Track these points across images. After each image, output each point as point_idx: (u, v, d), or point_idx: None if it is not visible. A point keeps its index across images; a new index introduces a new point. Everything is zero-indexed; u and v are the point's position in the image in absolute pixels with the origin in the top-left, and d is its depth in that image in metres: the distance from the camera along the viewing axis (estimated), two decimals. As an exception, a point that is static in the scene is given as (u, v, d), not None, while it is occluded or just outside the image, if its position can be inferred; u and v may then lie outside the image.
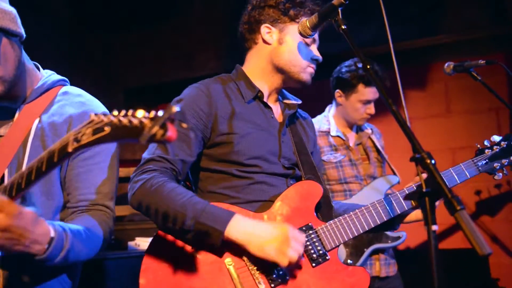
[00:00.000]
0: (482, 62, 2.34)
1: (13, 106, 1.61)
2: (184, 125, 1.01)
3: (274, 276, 1.65)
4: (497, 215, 4.00)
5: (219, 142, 1.77)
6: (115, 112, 1.07)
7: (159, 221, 1.65)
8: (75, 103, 1.65)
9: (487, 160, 1.86)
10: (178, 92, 1.87)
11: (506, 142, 1.89)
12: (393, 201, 1.78)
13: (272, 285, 1.64)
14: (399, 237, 2.85)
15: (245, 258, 1.65)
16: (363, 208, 1.78)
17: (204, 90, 1.80)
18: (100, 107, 1.69)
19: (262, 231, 1.59)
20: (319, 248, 1.73)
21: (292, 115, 1.98)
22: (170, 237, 1.68)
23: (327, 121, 3.07)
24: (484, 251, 1.02)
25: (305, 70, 1.88)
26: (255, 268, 1.65)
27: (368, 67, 1.44)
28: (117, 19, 4.76)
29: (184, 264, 1.64)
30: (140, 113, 1.02)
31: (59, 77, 1.72)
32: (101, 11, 4.68)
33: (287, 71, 1.87)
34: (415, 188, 1.78)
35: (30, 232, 1.29)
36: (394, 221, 1.83)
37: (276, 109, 1.96)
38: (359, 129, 3.12)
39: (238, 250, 1.62)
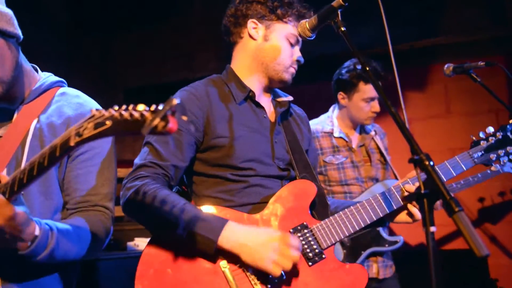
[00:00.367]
0: (481, 63, 2.34)
1: (11, 107, 1.62)
2: (185, 117, 1.02)
3: (270, 277, 1.64)
4: (496, 216, 4.01)
5: (212, 145, 1.77)
6: (116, 107, 1.09)
7: (152, 229, 1.67)
8: (73, 104, 1.65)
9: (482, 152, 1.85)
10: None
11: (501, 133, 1.87)
12: (388, 197, 1.77)
13: (269, 286, 1.64)
14: (396, 242, 2.85)
15: (240, 261, 1.63)
16: (358, 204, 1.77)
17: (195, 93, 1.80)
18: (97, 108, 1.70)
19: (255, 240, 1.57)
20: (315, 247, 1.72)
21: (285, 112, 1.98)
22: (164, 241, 1.67)
23: (330, 121, 3.06)
24: (482, 253, 1.02)
25: (287, 70, 1.88)
26: (251, 270, 1.64)
27: (368, 68, 1.44)
28: (116, 20, 4.77)
29: (180, 267, 1.63)
30: (141, 107, 1.04)
31: (57, 78, 1.73)
32: (100, 12, 4.69)
33: (271, 68, 1.87)
34: (410, 183, 1.78)
35: (20, 231, 1.33)
36: (385, 218, 1.81)
37: (269, 107, 1.95)
38: (362, 130, 3.10)
39: (233, 253, 1.61)
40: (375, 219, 1.76)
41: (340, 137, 3.00)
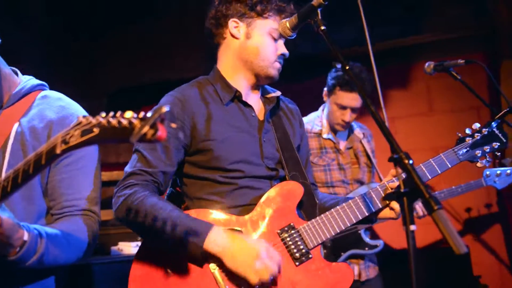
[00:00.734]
0: (461, 61, 2.36)
1: None
2: (174, 125, 1.01)
3: None
4: (478, 213, 4.05)
5: (200, 149, 1.78)
6: (103, 114, 1.07)
7: (142, 235, 1.74)
8: (55, 107, 1.62)
9: (468, 149, 1.83)
10: (161, 92, 1.86)
11: (487, 129, 1.86)
12: (374, 196, 1.78)
13: (256, 287, 1.64)
14: (376, 246, 2.87)
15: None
16: (344, 204, 1.78)
17: (180, 98, 1.80)
18: (80, 111, 1.68)
19: (237, 247, 1.61)
20: (301, 247, 1.73)
21: (275, 109, 1.96)
22: (155, 246, 1.73)
23: (320, 122, 3.06)
24: (461, 250, 1.02)
25: (273, 65, 1.85)
26: None
27: (347, 67, 1.44)
28: (97, 23, 4.73)
29: (170, 270, 1.68)
30: (129, 114, 1.03)
31: (37, 81, 1.70)
32: (81, 15, 4.64)
33: (256, 65, 1.85)
34: (395, 181, 1.78)
35: (7, 237, 1.30)
36: (371, 216, 1.82)
37: (258, 105, 1.94)
38: (350, 132, 3.10)
39: (217, 257, 1.64)
40: (360, 218, 1.77)
41: (328, 139, 3.00)
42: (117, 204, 1.69)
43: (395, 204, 1.77)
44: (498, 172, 2.85)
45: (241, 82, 1.89)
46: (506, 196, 3.83)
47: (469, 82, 2.38)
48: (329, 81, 2.99)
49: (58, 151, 1.12)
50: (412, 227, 1.11)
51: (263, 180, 1.82)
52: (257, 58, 1.85)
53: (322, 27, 1.54)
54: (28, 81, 1.67)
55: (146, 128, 0.98)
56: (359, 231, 2.85)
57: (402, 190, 1.15)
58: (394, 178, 1.79)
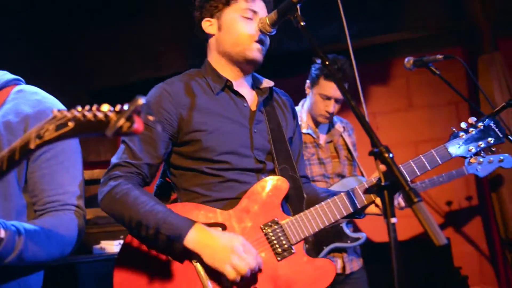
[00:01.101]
0: (440, 57, 2.39)
1: None
2: (151, 117, 1.00)
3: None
4: (459, 205, 4.12)
5: (187, 140, 1.78)
6: (79, 108, 1.05)
7: (126, 228, 1.73)
8: (31, 101, 1.59)
9: (461, 144, 1.78)
10: (145, 91, 1.85)
11: (483, 124, 1.80)
12: (360, 192, 1.78)
13: (238, 280, 1.64)
14: (358, 238, 2.88)
15: None
16: (329, 200, 1.78)
17: (168, 89, 1.79)
18: (58, 105, 1.64)
19: (215, 243, 1.62)
20: (284, 242, 1.74)
21: (268, 99, 1.95)
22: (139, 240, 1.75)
23: (299, 116, 3.03)
24: (441, 242, 1.04)
25: (249, 47, 1.81)
26: None
27: (327, 62, 1.45)
28: (81, 18, 4.66)
29: (154, 264, 1.70)
30: (105, 107, 1.01)
31: (12, 76, 1.65)
32: (64, 9, 4.57)
33: (233, 53, 1.84)
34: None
35: None
36: (359, 210, 1.82)
37: (250, 96, 1.92)
38: (331, 126, 3.10)
39: (196, 253, 1.65)
40: (345, 214, 1.78)
41: (308, 133, 3.00)
42: (102, 195, 1.72)
43: (380, 201, 1.77)
44: (481, 160, 2.87)
45: (229, 74, 1.88)
46: (487, 188, 3.90)
47: (447, 78, 2.41)
48: (313, 73, 2.98)
49: (32, 146, 1.10)
50: (393, 220, 1.13)
51: (250, 173, 1.82)
52: (231, 46, 1.83)
53: (302, 23, 1.55)
54: (2, 76, 1.63)
55: (122, 121, 0.97)
56: (340, 225, 2.87)
57: (382, 183, 1.17)
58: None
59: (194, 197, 1.79)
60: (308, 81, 3.03)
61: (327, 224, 1.77)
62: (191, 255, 1.66)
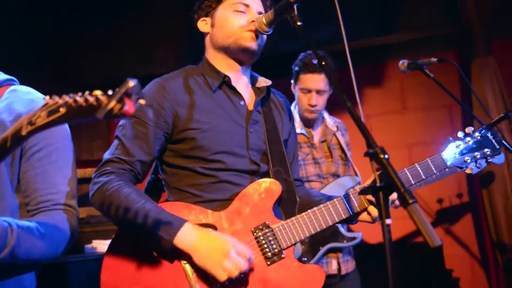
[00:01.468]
0: (434, 60, 2.40)
1: None
2: (142, 101, 0.99)
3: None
4: (449, 202, 4.13)
5: (182, 138, 1.76)
6: (71, 94, 1.05)
7: (116, 224, 1.73)
8: (24, 101, 1.59)
9: (456, 154, 1.78)
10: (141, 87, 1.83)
11: (480, 134, 1.79)
12: (353, 198, 1.78)
13: (227, 283, 1.64)
14: (354, 238, 2.88)
15: None
16: (321, 206, 1.77)
17: (165, 85, 1.77)
18: None
19: (206, 244, 1.61)
20: (274, 246, 1.72)
21: (266, 99, 1.94)
22: (129, 237, 1.72)
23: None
24: (435, 243, 1.04)
25: (241, 36, 1.80)
26: None
27: (323, 63, 1.45)
28: (73, 15, 4.63)
29: (142, 262, 1.68)
30: (97, 92, 1.01)
31: (6, 76, 1.66)
32: (57, 6, 4.54)
33: (226, 45, 1.83)
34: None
35: None
36: (351, 217, 1.83)
37: (248, 95, 1.91)
38: (324, 126, 3.10)
39: (186, 254, 1.64)
40: (337, 220, 1.77)
41: (301, 133, 3.00)
42: (92, 191, 1.70)
43: (372, 209, 1.76)
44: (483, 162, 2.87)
45: (226, 68, 1.86)
46: (478, 185, 3.91)
47: (441, 81, 2.42)
48: (293, 71, 2.99)
49: (23, 132, 1.09)
50: (388, 221, 1.13)
51: (244, 175, 1.80)
52: (224, 38, 1.83)
53: (298, 23, 1.55)
54: None
55: (113, 103, 0.96)
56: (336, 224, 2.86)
57: (377, 184, 1.17)
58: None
59: (185, 197, 1.77)
60: (292, 81, 3.03)
61: (318, 230, 1.76)
62: (180, 255, 1.64)
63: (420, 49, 4.12)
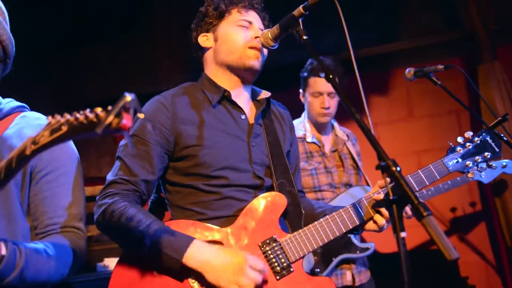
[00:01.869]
0: (440, 67, 2.40)
1: None
2: (141, 115, 1.01)
3: None
4: (462, 211, 4.10)
5: (184, 155, 1.75)
6: (73, 113, 1.08)
7: (122, 247, 1.71)
8: (34, 126, 1.61)
9: (458, 159, 1.79)
10: (142, 106, 1.84)
11: (479, 138, 1.81)
12: (359, 208, 1.77)
13: None
14: (367, 248, 2.86)
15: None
16: (328, 217, 1.76)
17: (165, 103, 1.77)
18: None
19: (219, 260, 1.59)
20: (283, 260, 1.71)
21: (266, 111, 1.93)
22: (134, 258, 1.70)
23: (303, 126, 3.03)
24: (452, 256, 1.03)
25: (245, 54, 1.81)
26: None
27: (331, 76, 1.45)
28: (79, 33, 4.68)
29: (150, 282, 1.66)
30: (97, 109, 1.03)
31: (17, 103, 1.69)
32: (62, 25, 4.59)
33: (230, 61, 1.83)
34: (381, 192, 1.76)
35: None
36: (358, 226, 1.80)
37: (248, 108, 1.90)
38: (334, 135, 3.09)
39: (198, 272, 1.61)
40: (344, 231, 1.75)
41: (313, 142, 2.98)
42: (97, 214, 1.68)
43: (378, 218, 1.75)
44: (484, 166, 2.86)
45: (227, 83, 1.86)
46: (490, 193, 3.88)
47: (448, 87, 2.41)
48: (301, 78, 3.01)
49: (28, 152, 1.12)
50: (403, 234, 1.12)
51: (248, 190, 1.79)
52: (228, 54, 1.83)
53: (304, 37, 1.55)
54: (8, 103, 1.67)
55: (111, 118, 0.98)
56: (349, 235, 2.84)
57: (391, 197, 1.16)
58: (380, 190, 1.77)
59: (189, 215, 1.75)
60: (300, 90, 3.04)
61: (326, 241, 1.74)
62: (188, 274, 1.62)
63: (424, 57, 4.12)
